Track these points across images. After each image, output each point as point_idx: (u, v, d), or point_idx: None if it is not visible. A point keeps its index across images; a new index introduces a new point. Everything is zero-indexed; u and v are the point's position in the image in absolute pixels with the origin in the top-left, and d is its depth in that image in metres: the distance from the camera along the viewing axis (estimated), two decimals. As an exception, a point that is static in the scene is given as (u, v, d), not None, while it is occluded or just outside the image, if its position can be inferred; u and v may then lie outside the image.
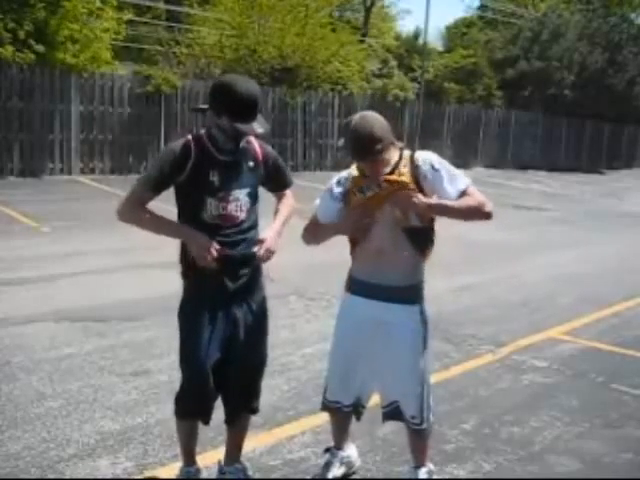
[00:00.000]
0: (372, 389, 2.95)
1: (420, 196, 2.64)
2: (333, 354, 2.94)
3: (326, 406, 3.01)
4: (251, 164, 2.73)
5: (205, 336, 2.71)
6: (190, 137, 2.66)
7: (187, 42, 18.25)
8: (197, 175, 2.61)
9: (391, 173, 2.68)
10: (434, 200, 2.66)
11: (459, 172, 2.75)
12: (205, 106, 2.67)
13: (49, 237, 8.19)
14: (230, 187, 2.66)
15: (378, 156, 2.63)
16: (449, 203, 2.66)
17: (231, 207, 2.67)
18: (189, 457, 2.94)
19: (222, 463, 2.99)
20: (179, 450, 2.98)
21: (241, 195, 2.69)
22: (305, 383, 4.15)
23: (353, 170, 2.82)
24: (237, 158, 2.69)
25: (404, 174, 2.68)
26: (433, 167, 2.69)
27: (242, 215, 2.70)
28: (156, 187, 2.62)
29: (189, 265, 2.68)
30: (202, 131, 2.70)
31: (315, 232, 2.93)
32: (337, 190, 2.82)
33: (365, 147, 2.59)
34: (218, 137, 2.62)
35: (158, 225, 2.66)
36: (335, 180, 2.86)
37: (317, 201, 2.93)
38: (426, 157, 2.73)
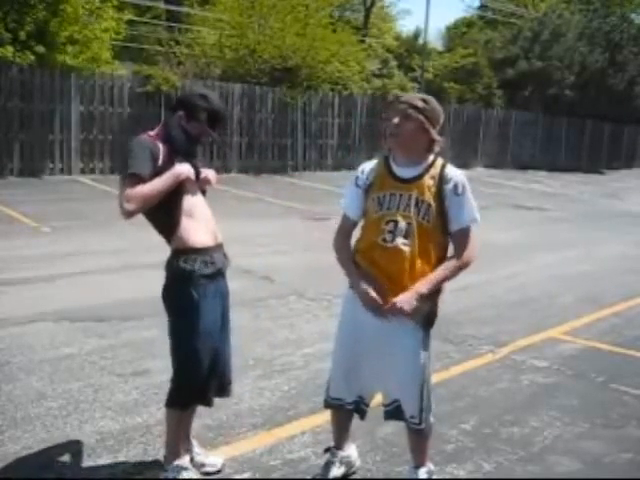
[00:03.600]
0: (375, 388, 2.95)
1: (413, 301, 2.65)
2: (337, 351, 2.94)
3: (329, 403, 3.00)
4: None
5: (217, 323, 2.87)
6: (151, 134, 2.83)
7: (187, 42, 18.26)
8: (167, 166, 2.75)
9: (420, 177, 2.68)
10: (424, 288, 2.66)
11: (475, 204, 2.75)
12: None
13: (49, 237, 8.20)
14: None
15: (406, 119, 2.66)
16: (438, 279, 2.69)
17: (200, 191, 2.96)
18: (180, 449, 2.94)
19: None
20: (178, 448, 2.95)
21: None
22: (305, 383, 4.15)
23: (379, 164, 2.81)
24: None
25: (430, 186, 2.68)
26: (456, 192, 2.70)
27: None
28: (147, 171, 2.69)
29: (187, 249, 2.79)
30: (152, 132, 2.86)
31: (343, 245, 2.88)
32: (362, 177, 2.82)
33: (406, 100, 2.70)
34: (178, 138, 2.81)
35: (155, 188, 2.70)
36: (360, 169, 2.86)
37: (342, 201, 2.91)
38: (455, 177, 2.72)
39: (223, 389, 3.02)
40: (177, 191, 2.77)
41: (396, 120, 2.69)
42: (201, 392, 2.89)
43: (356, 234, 2.92)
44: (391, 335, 2.75)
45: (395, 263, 2.71)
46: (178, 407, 2.89)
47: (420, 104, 2.66)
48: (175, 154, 2.80)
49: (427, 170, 2.72)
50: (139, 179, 2.66)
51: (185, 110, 2.82)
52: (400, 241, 2.69)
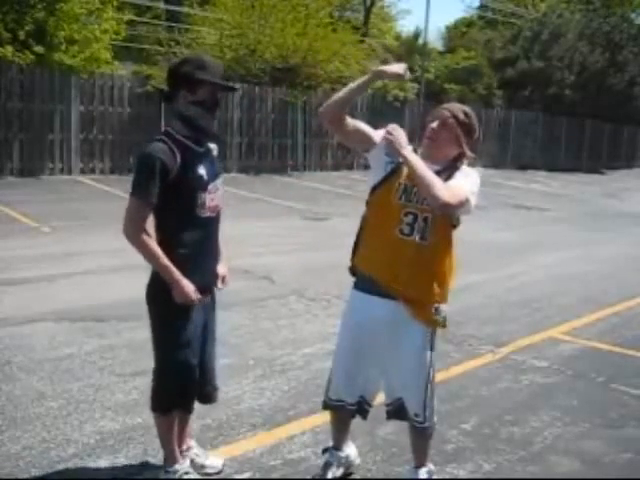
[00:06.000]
0: (377, 387, 2.94)
1: (402, 142, 2.61)
2: (339, 352, 2.91)
3: (329, 405, 2.99)
4: (215, 152, 2.85)
5: (198, 328, 2.81)
6: (165, 138, 2.65)
7: (187, 42, 18.24)
8: (186, 173, 2.64)
9: (438, 173, 2.66)
10: (408, 153, 2.61)
11: (475, 188, 2.73)
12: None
13: (49, 237, 8.19)
14: (214, 177, 2.77)
15: (444, 126, 2.69)
16: (422, 166, 2.58)
17: (217, 197, 2.79)
18: (177, 452, 2.93)
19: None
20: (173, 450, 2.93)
21: (219, 184, 2.81)
22: (305, 383, 4.15)
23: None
24: (208, 148, 2.79)
25: (444, 179, 2.69)
26: (463, 173, 2.76)
27: (221, 203, 2.83)
28: (154, 197, 2.61)
29: (175, 256, 2.69)
30: (168, 129, 2.71)
31: (345, 122, 2.71)
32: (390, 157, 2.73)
33: (449, 108, 2.73)
34: (198, 114, 2.66)
35: (153, 258, 2.64)
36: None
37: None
38: (467, 168, 2.79)
39: (208, 396, 2.98)
40: (192, 214, 2.69)
41: (434, 125, 2.72)
42: (180, 398, 2.84)
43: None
44: (400, 330, 2.74)
45: (408, 258, 2.68)
46: (160, 411, 2.86)
47: (461, 116, 2.71)
48: (201, 136, 2.70)
49: (446, 169, 2.73)
50: (146, 203, 2.62)
51: (184, 85, 2.66)
52: (417, 236, 2.69)
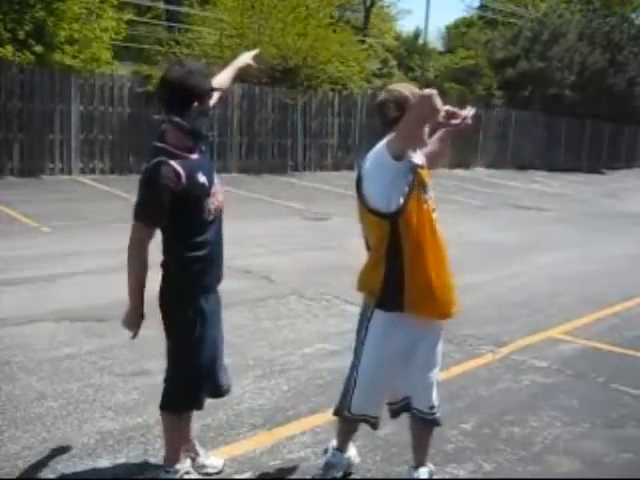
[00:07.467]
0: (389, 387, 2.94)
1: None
2: (371, 371, 2.78)
3: (351, 419, 2.93)
4: (204, 148, 2.82)
5: (217, 327, 2.86)
6: (164, 159, 2.60)
7: (187, 42, 18.24)
8: (190, 186, 2.63)
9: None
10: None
11: None
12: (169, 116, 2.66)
13: (49, 237, 8.19)
14: (212, 179, 2.77)
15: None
16: None
17: (220, 196, 2.80)
18: (180, 452, 2.92)
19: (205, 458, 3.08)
20: (178, 450, 2.94)
21: (217, 181, 2.82)
22: (305, 383, 4.15)
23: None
24: (201, 149, 2.77)
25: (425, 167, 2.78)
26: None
27: (222, 200, 2.84)
28: (161, 222, 2.64)
29: (188, 259, 2.71)
30: (163, 146, 2.65)
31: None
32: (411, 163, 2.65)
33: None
34: (201, 125, 2.70)
35: (135, 283, 2.66)
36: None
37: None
38: None
39: (218, 392, 3.00)
40: (200, 220, 2.71)
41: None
42: (192, 399, 2.87)
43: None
44: (423, 333, 2.75)
45: (445, 251, 2.71)
46: (169, 411, 2.86)
47: None
48: (190, 151, 2.67)
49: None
50: (152, 229, 2.64)
51: (196, 97, 2.61)
52: (440, 227, 2.71)
